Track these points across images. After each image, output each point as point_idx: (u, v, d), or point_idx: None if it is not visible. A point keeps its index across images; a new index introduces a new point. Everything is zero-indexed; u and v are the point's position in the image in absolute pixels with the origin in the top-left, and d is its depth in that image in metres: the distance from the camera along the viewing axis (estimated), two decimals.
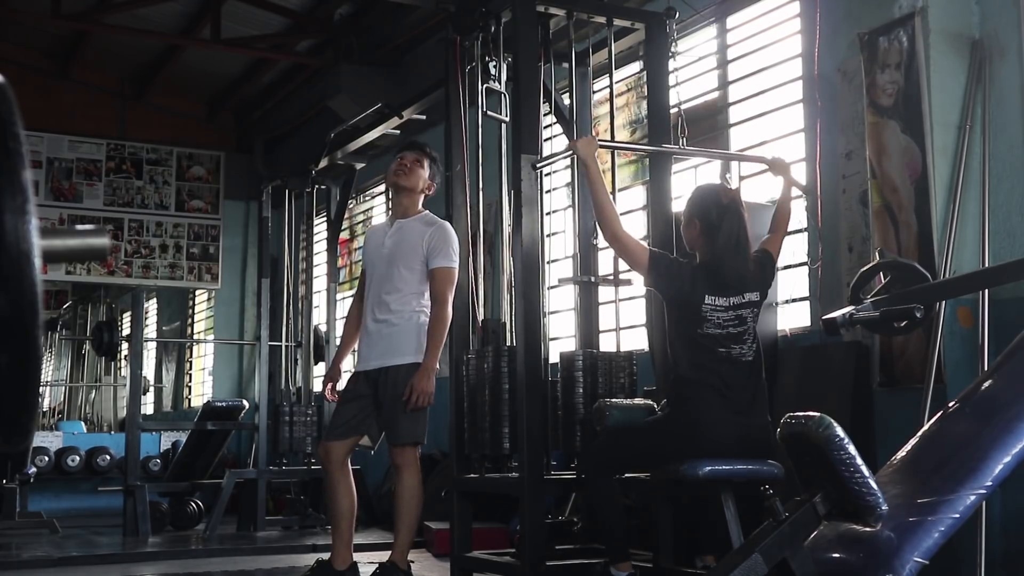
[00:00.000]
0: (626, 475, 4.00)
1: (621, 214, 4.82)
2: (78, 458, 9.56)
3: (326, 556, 4.40)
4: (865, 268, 3.54)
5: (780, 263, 4.86)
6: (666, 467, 3.59)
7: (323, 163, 7.59)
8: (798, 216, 5.00)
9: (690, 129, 5.14)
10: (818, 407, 2.83)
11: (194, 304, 13.01)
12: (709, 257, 3.60)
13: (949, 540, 2.62)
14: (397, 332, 4.31)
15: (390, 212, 4.39)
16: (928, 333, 3.90)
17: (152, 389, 13.32)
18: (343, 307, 9.66)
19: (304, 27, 9.26)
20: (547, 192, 5.16)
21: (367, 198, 9.87)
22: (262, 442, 7.35)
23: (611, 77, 4.70)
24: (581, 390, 4.23)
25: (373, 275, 4.44)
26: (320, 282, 9.25)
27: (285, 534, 7.19)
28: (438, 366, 4.27)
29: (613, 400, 3.94)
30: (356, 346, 4.59)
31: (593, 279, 4.73)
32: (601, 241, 4.22)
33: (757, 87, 5.40)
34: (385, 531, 7.10)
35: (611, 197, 3.94)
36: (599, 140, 4.00)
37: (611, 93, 4.73)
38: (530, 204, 4.23)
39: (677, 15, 4.65)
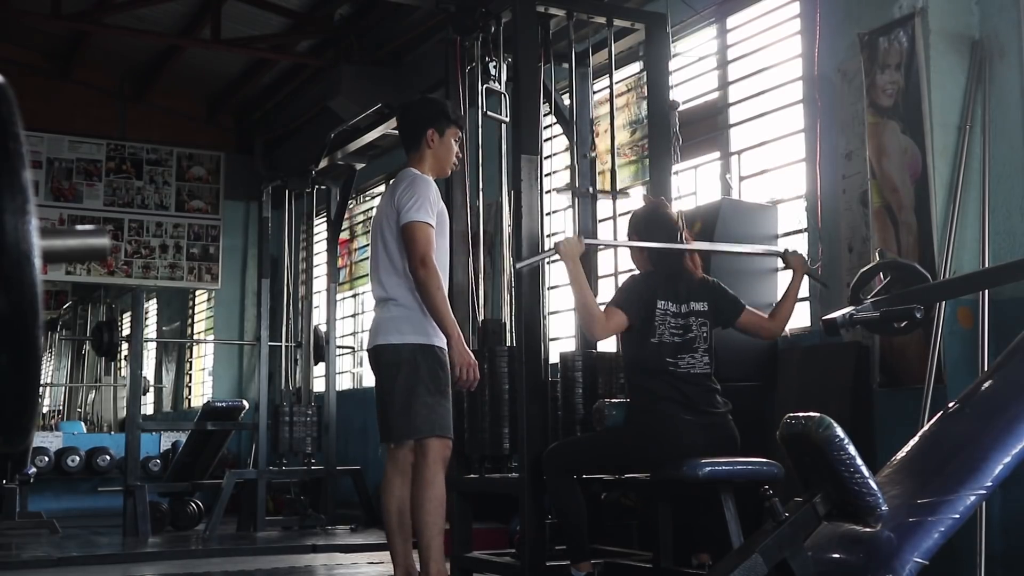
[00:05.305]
0: (625, 475, 4.01)
1: (621, 214, 4.83)
2: (78, 458, 9.56)
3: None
4: (865, 268, 3.54)
5: (780, 263, 4.86)
6: (667, 467, 3.60)
7: (323, 163, 7.59)
8: (798, 216, 5.00)
9: (690, 130, 5.14)
10: (818, 407, 2.83)
11: (194, 304, 13.01)
12: (656, 267, 3.81)
13: (949, 540, 2.61)
14: None
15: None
16: (928, 333, 3.90)
17: (152, 389, 13.32)
18: (343, 307, 9.67)
19: (304, 27, 9.26)
20: (547, 192, 5.16)
21: (367, 198, 9.87)
22: (262, 442, 7.35)
23: (611, 77, 4.70)
24: (581, 390, 4.23)
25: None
26: (320, 282, 9.24)
27: (285, 534, 7.19)
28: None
29: (612, 400, 3.94)
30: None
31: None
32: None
33: (757, 88, 5.40)
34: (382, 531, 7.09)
35: (591, 292, 3.96)
36: (585, 240, 4.01)
37: (611, 93, 4.73)
38: (530, 204, 4.23)
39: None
